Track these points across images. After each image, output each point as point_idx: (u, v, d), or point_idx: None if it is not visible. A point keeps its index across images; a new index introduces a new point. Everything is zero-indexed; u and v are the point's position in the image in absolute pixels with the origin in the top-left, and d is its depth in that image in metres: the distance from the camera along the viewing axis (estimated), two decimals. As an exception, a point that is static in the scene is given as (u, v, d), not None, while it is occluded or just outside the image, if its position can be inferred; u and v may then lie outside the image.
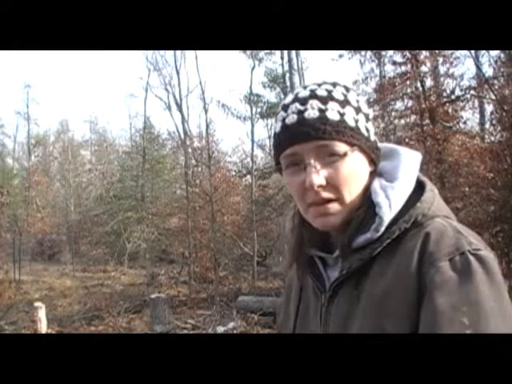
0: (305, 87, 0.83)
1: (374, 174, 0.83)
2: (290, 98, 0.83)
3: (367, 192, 0.81)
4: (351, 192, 0.79)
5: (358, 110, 0.81)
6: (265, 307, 8.15)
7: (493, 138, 8.47)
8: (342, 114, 0.78)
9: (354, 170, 0.79)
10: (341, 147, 0.77)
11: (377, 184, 0.81)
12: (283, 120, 0.81)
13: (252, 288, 10.49)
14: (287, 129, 0.80)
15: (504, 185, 7.15)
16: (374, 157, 0.83)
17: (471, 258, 0.70)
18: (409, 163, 0.83)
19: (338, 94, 0.80)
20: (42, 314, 7.70)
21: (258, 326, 7.73)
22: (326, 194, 0.78)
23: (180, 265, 13.56)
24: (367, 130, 0.82)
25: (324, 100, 0.79)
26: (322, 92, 0.80)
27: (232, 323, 7.98)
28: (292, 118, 0.79)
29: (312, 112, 0.78)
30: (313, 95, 0.80)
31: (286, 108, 0.81)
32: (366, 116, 0.83)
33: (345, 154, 0.78)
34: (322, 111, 0.78)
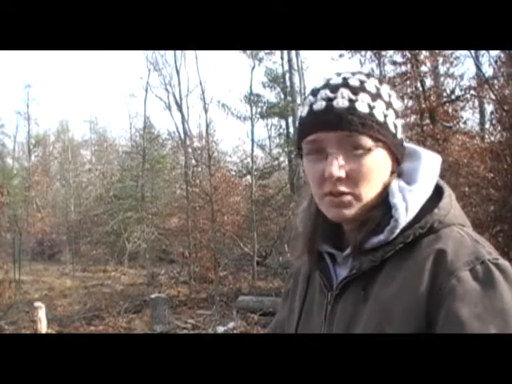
0: (338, 74, 0.81)
1: (395, 173, 0.81)
2: (321, 83, 0.81)
3: (385, 191, 0.79)
4: (370, 189, 0.77)
5: (388, 104, 0.79)
6: (265, 307, 8.14)
7: (493, 138, 8.46)
8: (371, 107, 0.76)
9: (376, 167, 0.77)
10: (366, 141, 0.76)
11: (395, 185, 0.79)
12: (311, 105, 0.79)
13: (252, 288, 10.48)
14: (314, 114, 0.78)
15: (504, 185, 7.14)
16: (398, 155, 0.81)
17: (492, 267, 0.69)
18: (429, 166, 0.81)
19: (370, 85, 0.78)
20: (42, 314, 7.70)
21: (257, 326, 7.72)
22: (343, 187, 0.76)
23: (180, 265, 13.55)
24: (395, 126, 0.80)
25: (355, 90, 0.77)
26: (354, 82, 0.78)
27: (232, 323, 7.98)
28: (320, 105, 0.77)
29: (341, 101, 0.76)
30: (345, 84, 0.78)
31: (315, 93, 0.79)
32: (396, 112, 0.81)
33: (369, 149, 0.76)
34: (351, 101, 0.76)
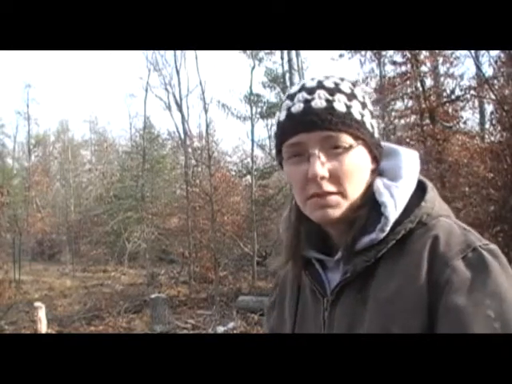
0: (312, 79, 0.82)
1: (375, 172, 0.82)
2: (296, 87, 0.82)
3: (369, 190, 0.79)
4: (353, 186, 0.78)
5: (364, 105, 0.81)
6: (265, 307, 8.14)
7: (493, 138, 8.46)
8: (348, 107, 0.78)
9: (357, 164, 0.78)
10: (346, 139, 0.77)
11: (380, 183, 0.80)
12: (289, 109, 0.79)
13: (252, 288, 10.48)
14: (293, 117, 0.78)
15: (504, 185, 7.15)
16: (377, 154, 0.82)
17: (484, 252, 0.70)
18: (410, 162, 0.82)
19: (345, 87, 0.80)
20: (42, 314, 7.71)
21: (257, 326, 7.72)
22: (327, 187, 0.76)
23: (180, 265, 13.56)
24: (372, 126, 0.81)
25: (331, 91, 0.78)
26: (329, 84, 0.79)
27: (232, 323, 7.98)
28: (298, 107, 0.78)
29: (319, 102, 0.77)
30: (320, 86, 0.79)
31: (291, 97, 0.80)
32: (371, 113, 0.82)
33: (350, 147, 0.77)
34: (329, 102, 0.77)
